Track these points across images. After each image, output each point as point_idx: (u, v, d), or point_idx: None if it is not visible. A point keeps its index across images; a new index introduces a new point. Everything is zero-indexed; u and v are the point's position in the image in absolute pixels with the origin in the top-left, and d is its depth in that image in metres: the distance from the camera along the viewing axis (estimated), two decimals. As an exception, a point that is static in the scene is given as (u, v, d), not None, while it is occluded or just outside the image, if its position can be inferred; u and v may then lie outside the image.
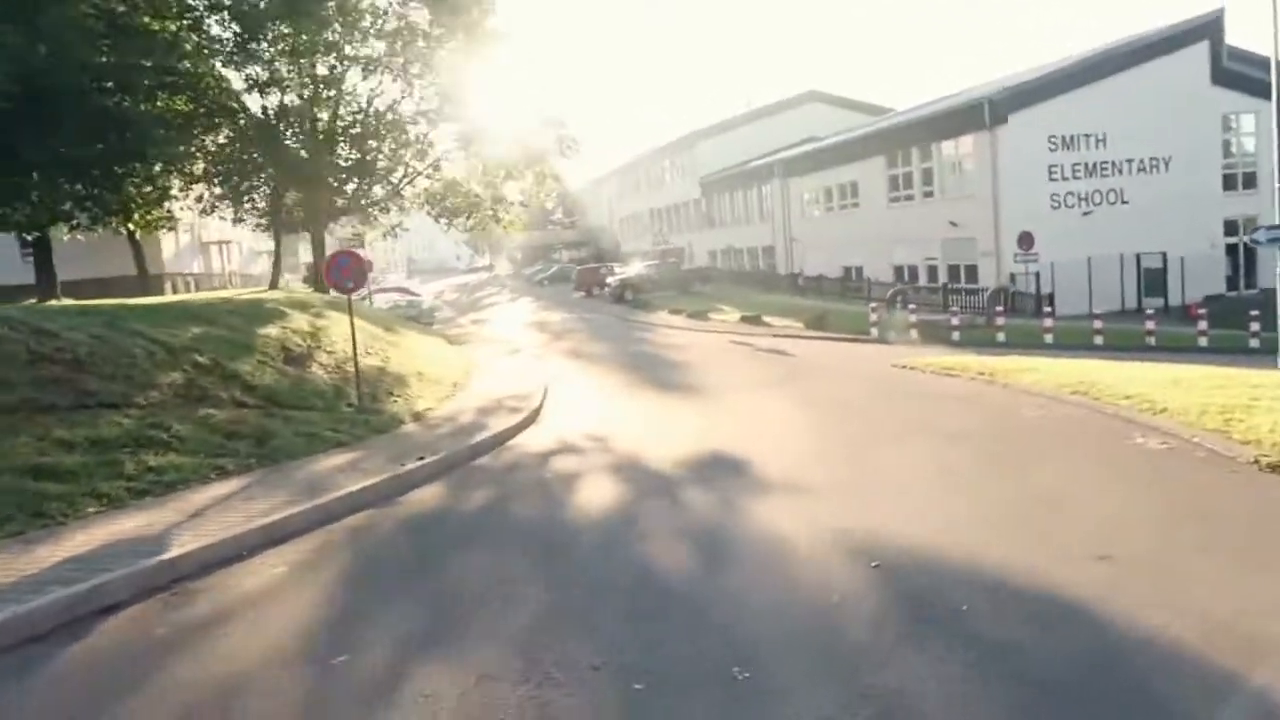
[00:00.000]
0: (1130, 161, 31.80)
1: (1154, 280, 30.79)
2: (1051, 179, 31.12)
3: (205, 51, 23.22)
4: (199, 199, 27.11)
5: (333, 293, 17.52)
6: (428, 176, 28.77)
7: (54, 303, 18.21)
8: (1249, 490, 7.40)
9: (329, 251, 21.94)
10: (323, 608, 5.82)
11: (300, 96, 25.51)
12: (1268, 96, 16.08)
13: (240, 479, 8.93)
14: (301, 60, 24.49)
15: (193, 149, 23.68)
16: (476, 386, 16.73)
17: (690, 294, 42.69)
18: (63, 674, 4.99)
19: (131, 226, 23.82)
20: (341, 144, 26.52)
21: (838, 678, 4.34)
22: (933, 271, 35.09)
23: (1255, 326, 21.44)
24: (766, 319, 30.01)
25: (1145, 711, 4.01)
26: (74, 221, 20.21)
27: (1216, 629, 4.66)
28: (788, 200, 46.83)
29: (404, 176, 28.44)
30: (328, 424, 11.55)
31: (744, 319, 30.55)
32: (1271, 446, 8.30)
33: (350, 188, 27.16)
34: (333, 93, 25.94)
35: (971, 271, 32.74)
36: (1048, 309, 25.80)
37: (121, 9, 19.79)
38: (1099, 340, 22.20)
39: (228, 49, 23.79)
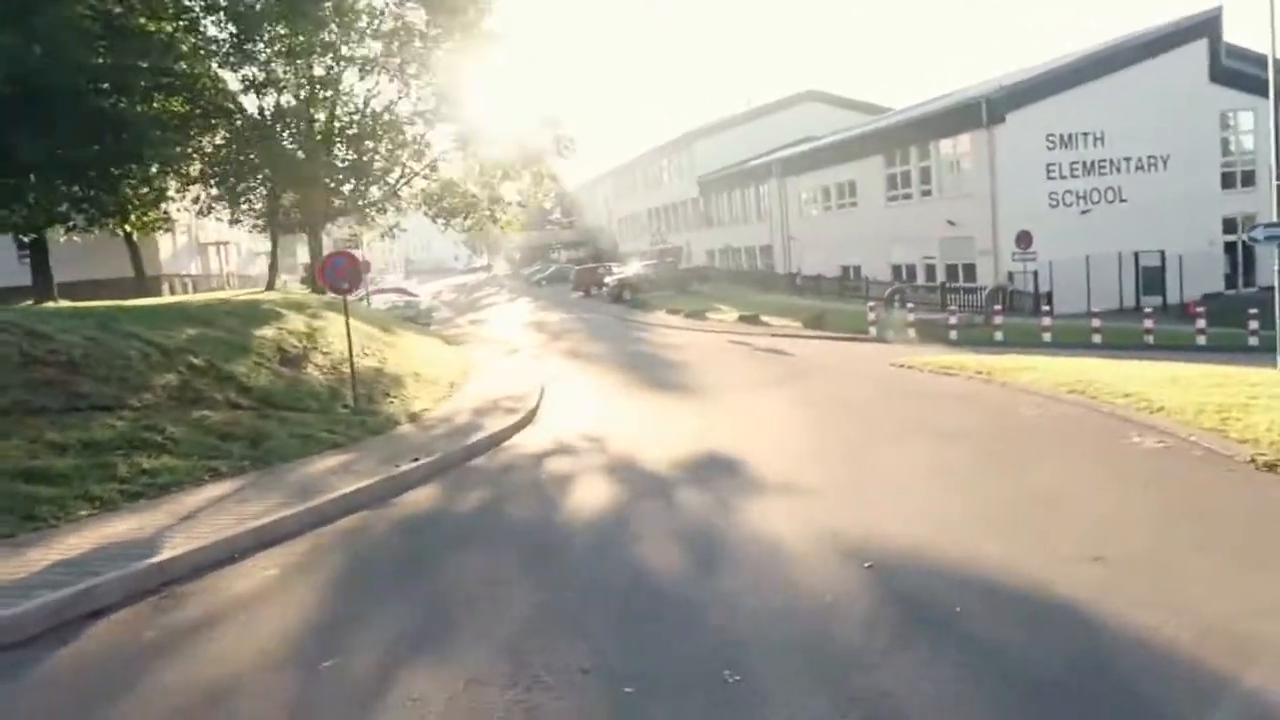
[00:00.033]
0: (1128, 160, 31.77)
1: (1152, 279, 30.79)
2: (1050, 177, 31.09)
3: (202, 52, 23.22)
4: (195, 200, 27.09)
5: (329, 293, 17.48)
6: (425, 177, 28.75)
7: (50, 304, 18.18)
8: (1245, 489, 7.38)
9: (326, 252, 21.90)
10: (313, 611, 5.79)
11: (297, 97, 25.51)
12: (1266, 94, 16.05)
13: (234, 481, 8.90)
14: (298, 61, 24.49)
15: (189, 150, 23.66)
16: (473, 387, 16.70)
17: (688, 293, 42.66)
18: (50, 678, 4.96)
19: (128, 228, 23.79)
20: (338, 145, 26.50)
21: (829, 680, 4.31)
22: (931, 270, 35.07)
23: (1254, 325, 21.42)
24: (764, 318, 29.99)
25: (1135, 713, 3.98)
26: (70, 223, 20.22)
27: (1211, 629, 4.63)
28: (786, 200, 46.82)
29: (401, 177, 28.42)
30: (323, 425, 11.51)
31: (742, 318, 30.52)
32: (1269, 445, 8.28)
33: (347, 188, 27.13)
34: (329, 93, 25.93)
35: (970, 270, 32.72)
36: (1046, 308, 25.78)
37: (118, 10, 19.78)
38: (1097, 339, 22.18)
39: (224, 50, 23.78)
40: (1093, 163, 31.50)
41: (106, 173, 19.12)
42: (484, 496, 9.02)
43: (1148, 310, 23.95)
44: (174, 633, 5.43)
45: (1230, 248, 32.55)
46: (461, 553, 7.08)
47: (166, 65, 20.38)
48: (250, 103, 25.42)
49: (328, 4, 23.23)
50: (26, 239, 21.38)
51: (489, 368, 19.93)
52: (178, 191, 25.19)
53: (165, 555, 6.43)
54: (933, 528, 6.68)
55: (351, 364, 13.60)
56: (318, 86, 25.60)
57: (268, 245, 32.73)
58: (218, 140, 25.89)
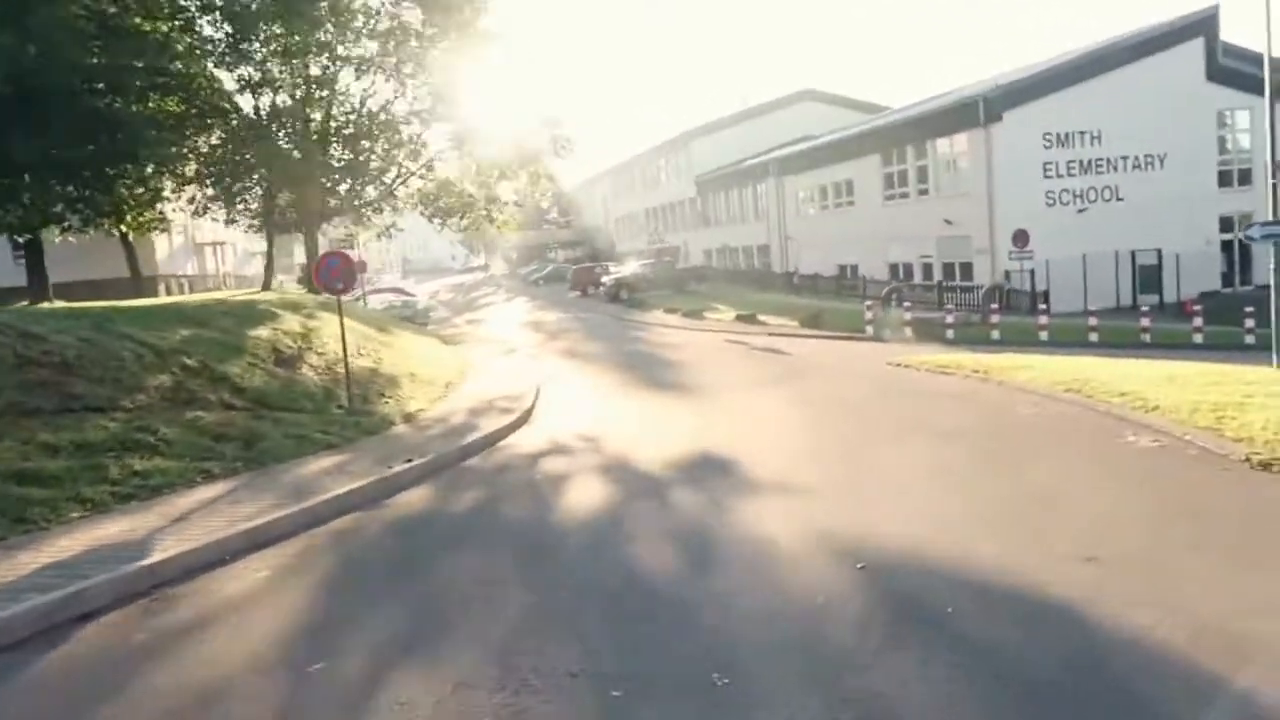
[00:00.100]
0: (1125, 158, 31.75)
1: (1149, 277, 30.77)
2: (1046, 176, 31.06)
3: (197, 52, 23.14)
4: (191, 200, 27.02)
5: (325, 294, 17.46)
6: (421, 177, 28.70)
7: (45, 305, 18.13)
8: (1240, 488, 7.37)
9: (322, 252, 21.85)
10: (304, 613, 5.76)
11: (293, 97, 25.43)
12: (1262, 93, 16.02)
13: (226, 482, 8.87)
14: (294, 60, 24.41)
15: (185, 150, 23.58)
16: (469, 387, 16.68)
17: (685, 293, 42.62)
18: (39, 682, 4.93)
19: (124, 228, 23.72)
20: (334, 144, 26.44)
21: (820, 682, 4.29)
22: (928, 269, 35.05)
23: (1250, 323, 21.41)
24: (762, 318, 29.97)
25: (1130, 714, 3.96)
26: (66, 223, 20.15)
27: (1205, 629, 4.62)
28: (783, 199, 46.80)
29: (397, 177, 28.36)
30: (317, 426, 11.48)
31: (739, 318, 30.49)
32: (1264, 444, 8.27)
33: (343, 188, 27.06)
34: (325, 93, 25.86)
35: (967, 269, 32.70)
36: (1043, 306, 25.76)
37: (113, 10, 19.71)
38: (1094, 337, 22.16)
39: (220, 49, 23.70)
40: (1089, 161, 31.48)
41: (101, 173, 19.07)
42: (478, 497, 8.99)
43: (1145, 309, 23.92)
44: (164, 635, 5.40)
45: (1227, 246, 32.51)
46: (454, 554, 7.05)
47: (162, 65, 20.31)
48: (246, 102, 25.36)
49: (323, 3, 23.16)
50: (21, 239, 21.30)
51: (485, 367, 19.91)
52: (173, 192, 25.11)
53: (156, 557, 6.40)
54: (927, 527, 6.67)
55: (346, 364, 13.56)
56: (314, 86, 25.52)
57: (264, 245, 32.67)
58: (213, 140, 25.81)
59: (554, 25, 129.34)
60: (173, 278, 34.00)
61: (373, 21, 26.02)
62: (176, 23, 22.49)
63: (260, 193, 26.90)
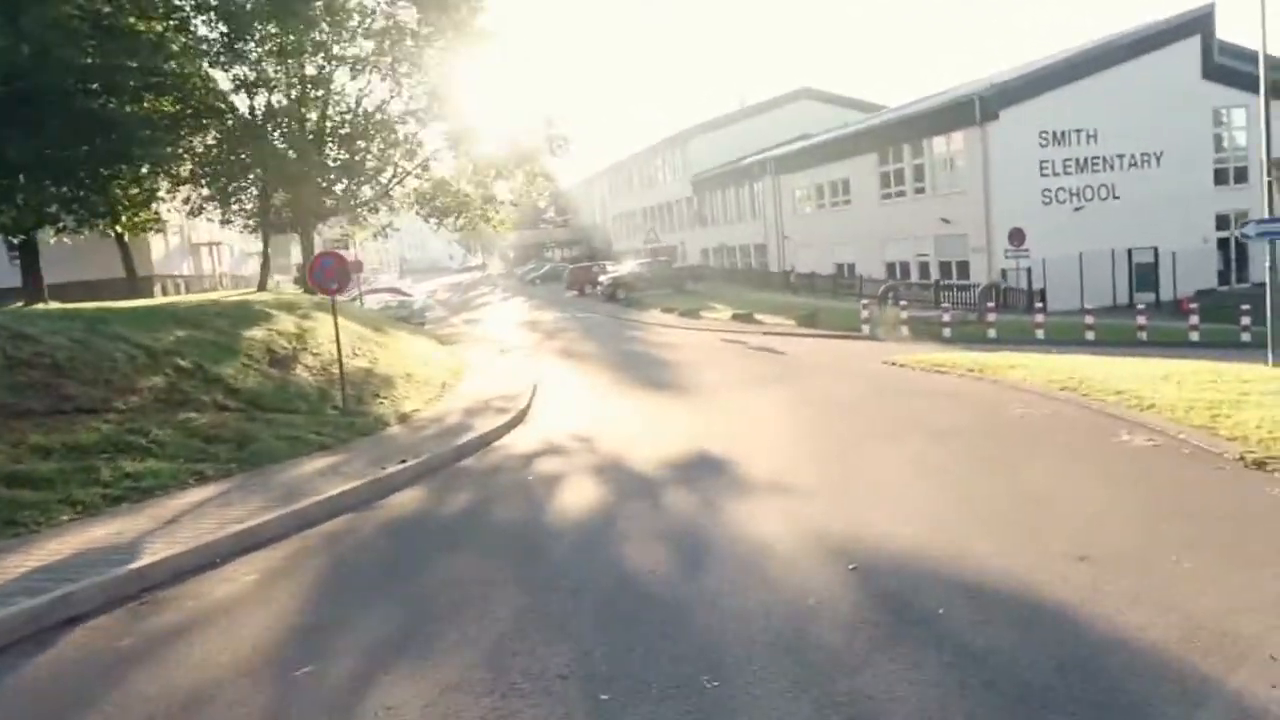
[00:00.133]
0: (1121, 157, 31.75)
1: (1145, 275, 30.76)
2: (1043, 174, 31.06)
3: (192, 52, 23.07)
4: (186, 200, 26.95)
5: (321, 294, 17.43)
6: (417, 176, 28.65)
7: (41, 306, 18.08)
8: (1234, 487, 7.35)
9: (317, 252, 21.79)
10: (292, 616, 5.72)
11: (288, 96, 25.37)
12: (1258, 90, 16.00)
13: (219, 484, 8.83)
14: (289, 60, 24.35)
15: (179, 150, 23.52)
16: (465, 387, 16.65)
17: (683, 292, 42.61)
18: (25, 687, 4.90)
19: (119, 229, 23.66)
20: (330, 144, 26.38)
21: (810, 685, 4.25)
22: (924, 268, 35.04)
23: (1246, 321, 21.40)
24: (759, 317, 29.95)
25: (1124, 716, 3.93)
26: (60, 224, 20.09)
27: (1199, 628, 4.61)
28: (780, 198, 46.77)
29: (393, 176, 28.31)
30: (311, 427, 11.45)
31: (736, 317, 30.47)
32: (1258, 443, 8.26)
33: (339, 188, 27.03)
34: (321, 92, 25.79)
35: (963, 268, 32.70)
36: (1039, 304, 25.74)
37: (107, 9, 19.65)
38: (1090, 336, 22.13)
39: (215, 49, 23.63)
40: (1086, 160, 31.47)
41: (96, 173, 19.01)
42: (471, 498, 8.96)
43: (1141, 307, 23.90)
44: (151, 640, 5.37)
45: (1223, 244, 32.54)
46: (445, 556, 7.01)
47: (156, 65, 20.21)
48: (241, 102, 25.29)
49: (318, 3, 23.09)
50: (16, 240, 21.23)
51: (482, 367, 19.87)
52: (168, 192, 25.05)
53: (145, 561, 6.37)
54: (920, 527, 6.64)
55: (340, 364, 13.53)
56: (309, 86, 25.46)
57: (260, 246, 32.60)
58: (209, 140, 25.74)
59: (551, 24, 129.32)
60: (169, 278, 33.92)
61: (368, 21, 25.99)
62: (171, 22, 22.38)
63: (256, 193, 26.83)
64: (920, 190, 35.24)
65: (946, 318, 24.60)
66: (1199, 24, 32.36)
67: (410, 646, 5.06)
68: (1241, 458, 7.95)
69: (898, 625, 4.92)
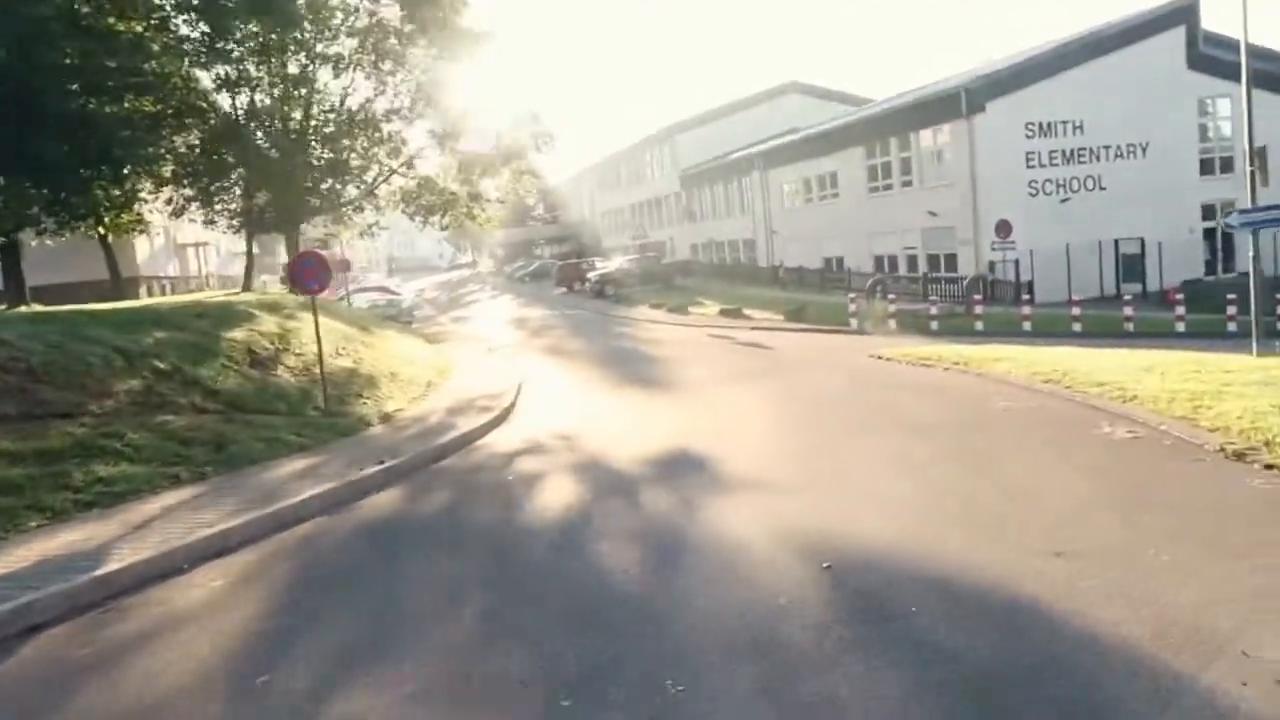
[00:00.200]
0: (1108, 148, 31.74)
1: (1132, 266, 30.75)
2: (1029, 166, 31.02)
3: (173, 51, 22.86)
4: (169, 201, 26.74)
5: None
6: (402, 174, 28.50)
7: (22, 309, 17.91)
8: (1214, 478, 7.30)
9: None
10: (256, 622, 5.61)
11: (271, 95, 25.20)
12: (1241, 80, 15.99)
13: (193, 488, 8.73)
14: (271, 59, 24.20)
15: (162, 150, 23.31)
16: (450, 385, 16.55)
17: (671, 288, 42.53)
18: (-18, 698, 4.80)
19: (102, 230, 23.47)
20: (314, 143, 26.20)
21: (777, 687, 4.19)
22: (912, 261, 35.00)
23: (1232, 310, 21.41)
24: (747, 312, 29.90)
25: (1093, 716, 3.87)
26: (41, 226, 19.91)
27: (1173, 624, 4.55)
28: (768, 192, 46.70)
29: (378, 175, 28.16)
30: (291, 428, 11.34)
31: (724, 312, 30.43)
32: (1239, 434, 8.21)
33: (324, 187, 26.85)
34: (304, 91, 25.62)
35: (951, 260, 32.66)
36: (1026, 296, 25.76)
37: (85, 9, 19.45)
38: (1077, 327, 22.13)
39: (196, 48, 23.43)
40: (1072, 151, 31.45)
41: (77, 175, 18.82)
42: (448, 499, 8.87)
43: (1128, 298, 23.90)
44: (111, 648, 5.27)
45: (1209, 234, 32.55)
46: (416, 559, 6.91)
47: (136, 65, 20.03)
48: (224, 101, 25.11)
49: (300, 1, 22.92)
50: (-3, 243, 21.04)
51: (468, 366, 19.78)
52: (151, 193, 24.84)
53: (110, 568, 6.27)
54: (897, 524, 6.59)
55: (321, 364, 13.42)
56: (292, 84, 25.29)
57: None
58: (191, 140, 25.53)
59: (537, 20, 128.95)
60: (154, 279, 33.74)
61: (351, 19, 25.83)
62: (151, 22, 22.19)
63: (239, 193, 26.66)
64: (907, 183, 35.19)
65: (934, 311, 24.59)
66: (1183, 14, 32.36)
67: (373, 653, 4.97)
68: (1222, 449, 7.91)
69: (869, 624, 4.85)
